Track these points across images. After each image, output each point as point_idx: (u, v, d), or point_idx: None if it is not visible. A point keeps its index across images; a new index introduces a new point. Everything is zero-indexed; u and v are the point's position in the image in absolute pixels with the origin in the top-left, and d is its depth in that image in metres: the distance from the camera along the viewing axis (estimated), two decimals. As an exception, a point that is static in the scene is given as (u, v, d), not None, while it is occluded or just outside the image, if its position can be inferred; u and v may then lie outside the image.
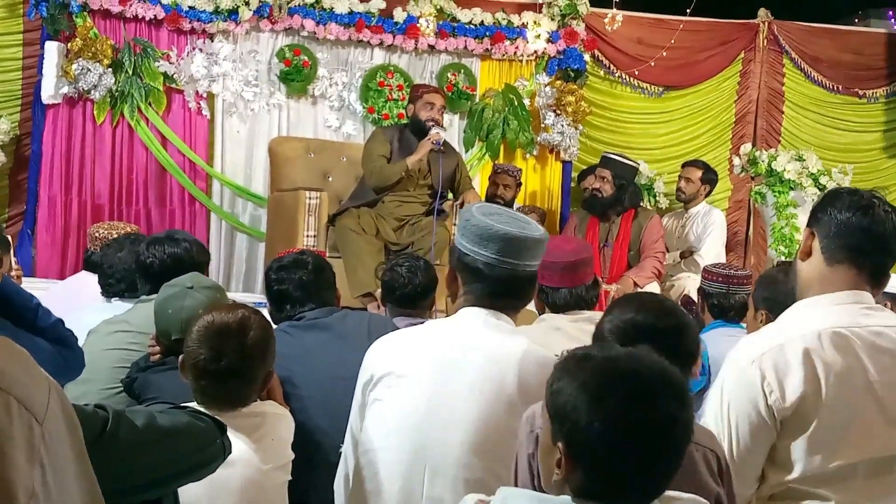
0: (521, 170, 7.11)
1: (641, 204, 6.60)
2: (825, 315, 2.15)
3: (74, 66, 6.43)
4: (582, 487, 1.46)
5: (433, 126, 5.72)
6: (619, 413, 1.43)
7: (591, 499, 1.46)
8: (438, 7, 7.20)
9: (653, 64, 7.79)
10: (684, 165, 7.05)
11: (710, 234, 6.67)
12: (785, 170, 6.92)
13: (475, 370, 2.18)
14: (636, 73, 7.86)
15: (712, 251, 6.54)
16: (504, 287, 2.27)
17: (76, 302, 3.84)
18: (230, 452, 1.86)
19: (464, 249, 2.29)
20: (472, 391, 2.16)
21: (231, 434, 1.87)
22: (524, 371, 2.17)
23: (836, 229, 2.18)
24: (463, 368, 2.19)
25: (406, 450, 2.17)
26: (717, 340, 3.61)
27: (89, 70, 6.44)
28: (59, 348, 2.46)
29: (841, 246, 2.18)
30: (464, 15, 7.29)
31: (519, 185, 7.00)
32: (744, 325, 3.81)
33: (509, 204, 6.81)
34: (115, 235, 4.13)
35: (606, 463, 1.44)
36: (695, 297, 4.62)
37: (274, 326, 2.68)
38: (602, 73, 7.91)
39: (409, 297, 3.66)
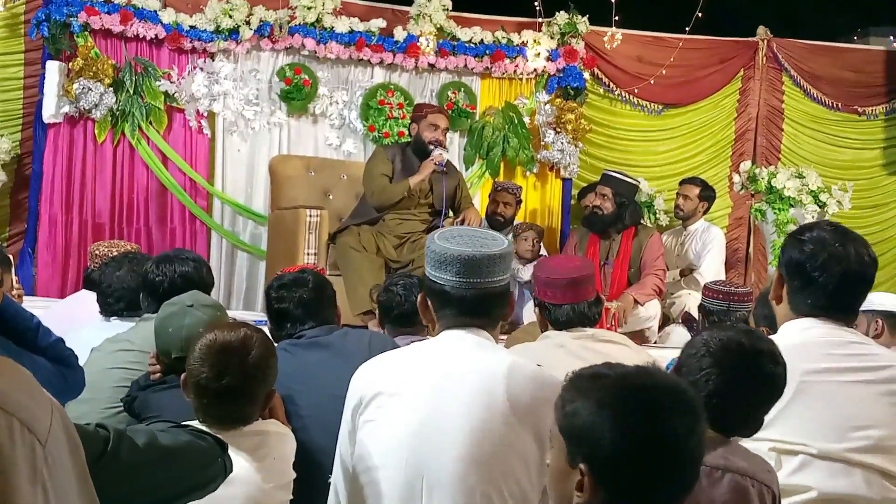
0: (521, 187, 7.11)
1: (641, 221, 6.60)
2: (800, 334, 2.28)
3: (75, 86, 6.45)
4: None
5: (436, 147, 5.73)
6: (643, 428, 1.43)
7: None
8: (438, 26, 7.23)
9: (652, 82, 7.82)
10: (682, 183, 7.05)
11: (709, 251, 6.66)
12: (785, 187, 6.93)
13: (467, 386, 2.20)
14: (636, 90, 7.88)
15: (711, 269, 6.53)
16: (472, 307, 2.29)
17: (76, 321, 3.83)
18: (231, 471, 1.85)
19: (429, 276, 2.34)
20: (465, 406, 2.18)
21: (232, 453, 1.87)
22: (513, 384, 2.19)
23: (801, 286, 2.26)
24: (454, 385, 2.20)
25: (403, 467, 2.17)
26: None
27: (90, 89, 6.46)
28: (59, 367, 2.46)
29: (807, 304, 2.27)
30: (464, 34, 7.32)
31: (519, 202, 7.01)
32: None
33: (509, 221, 6.82)
34: (115, 254, 4.12)
35: (631, 480, 1.43)
36: (695, 314, 4.62)
37: (274, 345, 2.67)
38: (602, 90, 7.93)
39: (408, 315, 3.66)
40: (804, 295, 2.27)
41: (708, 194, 6.91)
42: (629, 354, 3.09)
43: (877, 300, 4.13)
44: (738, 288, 4.02)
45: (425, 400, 2.20)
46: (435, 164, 5.66)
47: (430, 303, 2.37)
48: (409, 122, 6.11)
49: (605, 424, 1.43)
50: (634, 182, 6.45)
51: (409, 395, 2.22)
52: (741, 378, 1.96)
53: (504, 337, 4.07)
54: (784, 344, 2.25)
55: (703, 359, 1.99)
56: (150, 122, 6.78)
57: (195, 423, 2.21)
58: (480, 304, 2.30)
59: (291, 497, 2.45)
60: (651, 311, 5.98)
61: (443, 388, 2.20)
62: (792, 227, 6.83)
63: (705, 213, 6.94)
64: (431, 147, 5.73)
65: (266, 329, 2.83)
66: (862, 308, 4.12)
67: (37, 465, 0.98)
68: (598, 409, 1.45)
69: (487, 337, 2.32)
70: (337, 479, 2.38)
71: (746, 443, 2.17)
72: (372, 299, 4.02)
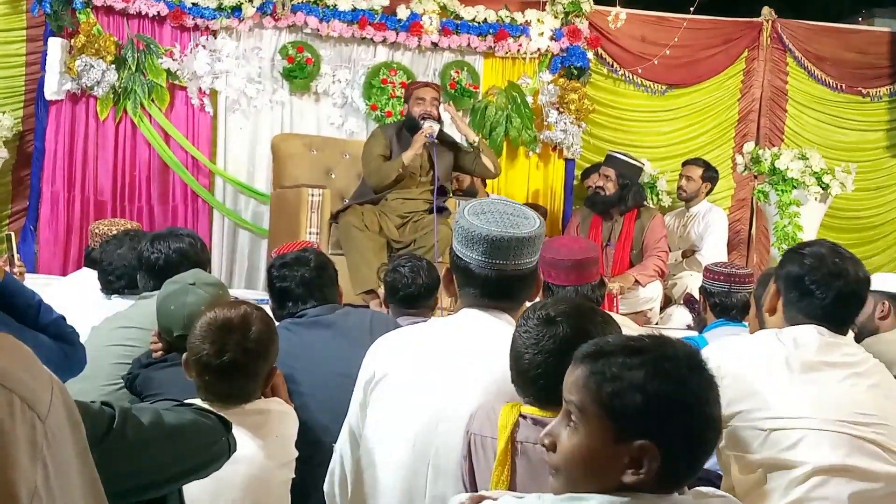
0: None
1: (644, 203, 6.59)
2: (794, 332, 2.33)
3: (77, 63, 6.43)
4: (653, 481, 1.45)
5: (425, 120, 5.73)
6: (705, 398, 1.48)
7: (651, 491, 1.45)
8: (442, 4, 7.20)
9: (656, 62, 7.79)
10: (685, 164, 7.05)
11: (711, 232, 6.66)
12: (788, 168, 6.91)
13: (478, 369, 2.18)
14: (639, 70, 7.86)
15: (714, 250, 6.53)
16: (495, 288, 2.24)
17: (77, 298, 3.84)
18: (235, 450, 1.86)
19: (456, 251, 2.29)
20: (475, 390, 2.16)
21: (235, 431, 1.87)
22: None
23: (798, 298, 2.35)
24: (466, 368, 2.19)
25: (409, 449, 2.17)
26: (718, 339, 3.61)
27: (92, 66, 6.45)
28: (60, 344, 2.46)
29: (802, 314, 2.34)
30: (467, 12, 7.29)
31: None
32: (746, 323, 3.81)
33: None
34: (115, 232, 4.13)
35: (690, 448, 1.47)
36: (697, 295, 4.62)
37: (276, 324, 2.68)
38: (605, 70, 7.90)
39: (413, 297, 3.66)
40: (800, 306, 2.34)
41: (710, 175, 6.90)
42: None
43: (883, 281, 4.14)
44: (740, 269, 4.00)
45: (437, 384, 2.18)
46: (425, 136, 5.66)
47: (454, 277, 2.33)
48: (403, 101, 6.12)
49: (677, 401, 1.44)
50: (638, 164, 6.44)
51: (420, 378, 2.20)
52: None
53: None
54: (779, 337, 2.32)
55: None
56: (153, 100, 6.77)
57: (198, 402, 2.22)
58: (504, 287, 2.25)
59: (293, 475, 2.46)
60: (653, 292, 5.99)
61: (455, 373, 2.18)
62: (794, 209, 6.84)
63: (708, 194, 6.94)
64: (422, 121, 5.73)
65: (268, 308, 2.83)
66: (872, 288, 4.16)
67: (37, 441, 0.98)
68: (664, 386, 1.44)
69: (508, 320, 2.25)
70: (343, 447, 2.36)
71: (744, 421, 2.19)
72: (378, 278, 4.01)
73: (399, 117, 6.97)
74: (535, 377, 1.99)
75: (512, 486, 1.93)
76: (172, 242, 3.33)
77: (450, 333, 2.28)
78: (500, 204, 2.33)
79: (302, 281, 3.13)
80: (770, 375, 2.22)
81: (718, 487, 2.31)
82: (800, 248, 2.40)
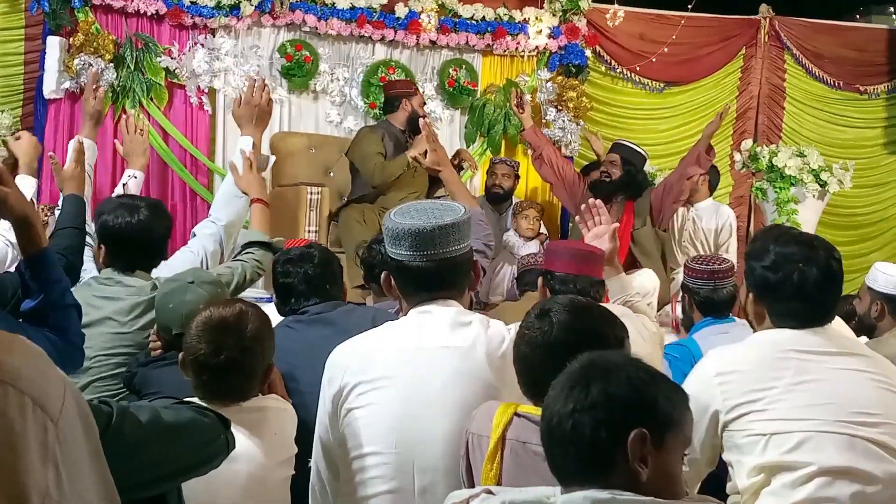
0: (518, 163, 7.10)
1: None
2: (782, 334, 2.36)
3: (76, 61, 6.43)
4: None
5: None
6: None
7: None
8: (440, 2, 7.20)
9: (654, 60, 7.80)
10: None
11: (732, 234, 6.65)
12: (786, 166, 6.92)
13: (445, 362, 2.21)
14: (637, 68, 7.87)
15: (735, 253, 6.52)
16: (435, 279, 2.29)
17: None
18: (234, 448, 1.86)
19: (388, 252, 2.34)
20: (446, 382, 2.19)
21: (233, 429, 1.88)
22: (491, 351, 2.22)
23: (782, 303, 2.36)
24: (432, 363, 2.22)
25: (393, 452, 2.19)
26: (708, 340, 3.56)
27: (91, 65, 6.43)
28: (63, 341, 2.43)
29: (790, 315, 2.35)
30: (465, 10, 7.29)
31: (517, 176, 6.98)
32: (735, 318, 3.82)
33: (509, 193, 6.86)
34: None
35: None
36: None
37: (270, 319, 2.69)
38: (603, 68, 7.91)
39: None
40: (782, 309, 2.35)
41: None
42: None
43: (877, 279, 4.14)
44: (721, 264, 3.97)
45: (406, 383, 2.21)
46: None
47: (393, 280, 2.37)
48: (394, 97, 6.12)
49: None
50: (642, 152, 6.44)
51: (389, 381, 2.22)
52: None
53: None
54: (773, 336, 2.35)
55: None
56: (151, 99, 6.76)
57: (196, 400, 2.23)
58: (441, 276, 2.29)
59: (294, 472, 2.47)
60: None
61: (422, 369, 2.21)
62: (792, 206, 6.85)
63: (712, 190, 6.86)
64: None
65: (272, 305, 2.84)
66: (868, 284, 4.18)
67: (48, 443, 0.98)
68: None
69: (457, 306, 2.31)
70: (318, 460, 2.37)
71: (743, 428, 2.20)
72: (357, 255, 3.99)
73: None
74: (521, 369, 2.06)
75: (499, 482, 1.96)
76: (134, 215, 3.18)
77: (407, 333, 2.30)
78: (428, 203, 2.40)
79: (305, 278, 3.13)
80: (767, 378, 2.24)
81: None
82: (761, 254, 2.38)
